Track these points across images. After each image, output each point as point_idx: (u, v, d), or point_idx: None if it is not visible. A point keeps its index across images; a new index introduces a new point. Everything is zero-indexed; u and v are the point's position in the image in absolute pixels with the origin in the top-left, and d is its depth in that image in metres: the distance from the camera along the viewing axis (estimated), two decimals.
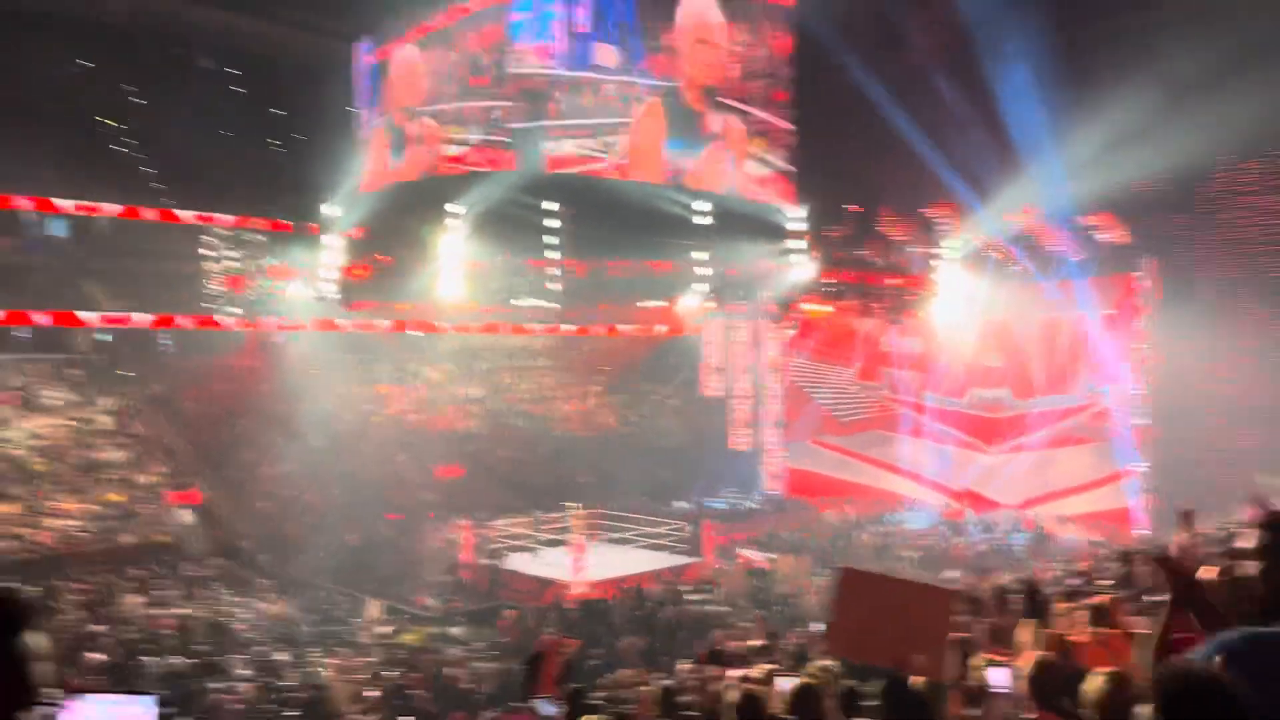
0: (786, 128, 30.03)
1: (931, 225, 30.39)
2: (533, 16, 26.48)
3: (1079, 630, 5.89)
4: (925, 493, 33.36)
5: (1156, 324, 29.44)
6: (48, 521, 24.34)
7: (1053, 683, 3.95)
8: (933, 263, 28.55)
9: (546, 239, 23.95)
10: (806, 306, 29.12)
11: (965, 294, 30.62)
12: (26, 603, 1.37)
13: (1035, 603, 8.18)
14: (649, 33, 27.13)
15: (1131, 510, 29.21)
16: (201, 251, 31.62)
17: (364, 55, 33.12)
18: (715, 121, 28.18)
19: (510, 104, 27.21)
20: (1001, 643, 6.56)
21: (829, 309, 30.03)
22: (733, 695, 4.50)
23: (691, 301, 27.28)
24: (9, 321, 29.55)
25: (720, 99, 28.20)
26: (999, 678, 5.09)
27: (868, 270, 27.87)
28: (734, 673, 7.45)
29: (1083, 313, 30.78)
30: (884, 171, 33.13)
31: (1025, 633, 5.67)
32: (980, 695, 5.39)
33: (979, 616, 8.00)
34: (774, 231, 25.63)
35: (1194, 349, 27.38)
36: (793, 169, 30.21)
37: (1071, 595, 8.08)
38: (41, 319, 30.02)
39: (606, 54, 26.69)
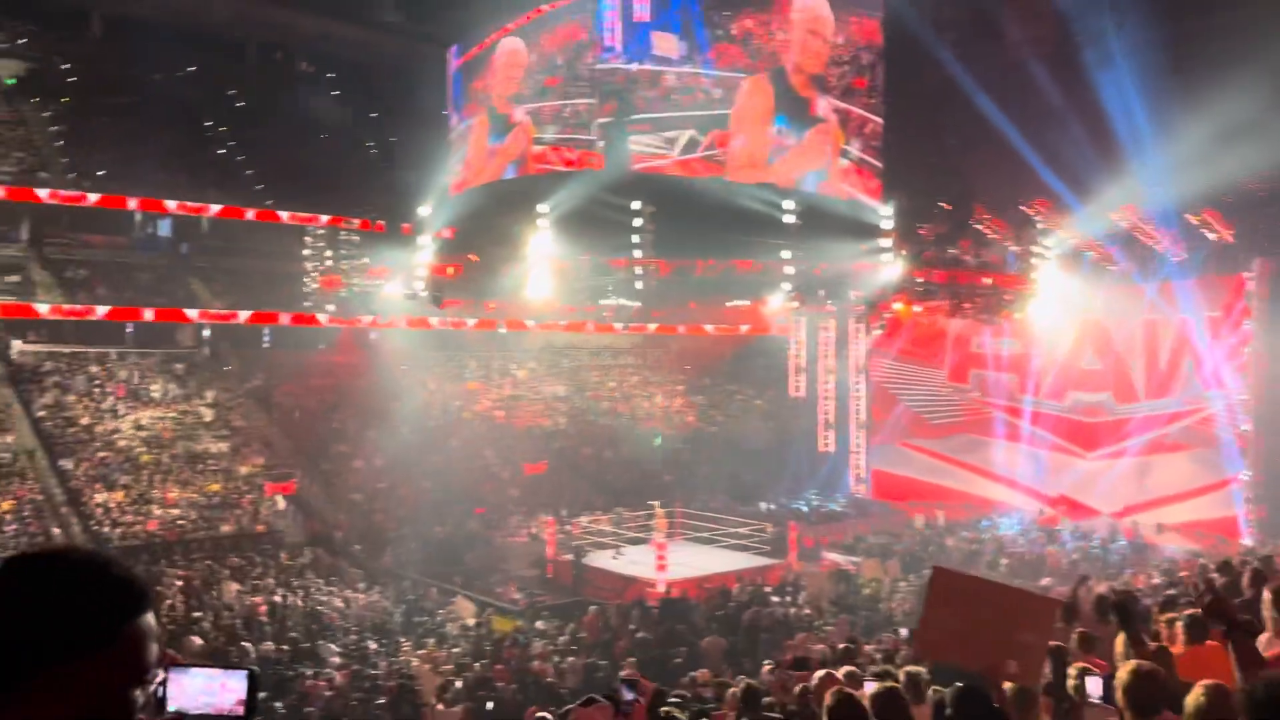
0: (876, 121, 29.62)
1: (1027, 222, 29.54)
2: (599, 9, 26.73)
3: (1177, 642, 5.66)
4: (1018, 499, 32.46)
5: (1264, 326, 28.12)
6: (153, 509, 25.37)
7: (1149, 694, 3.79)
8: (1028, 261, 27.72)
9: (631, 238, 24.04)
10: (895, 306, 28.59)
11: (1062, 294, 29.68)
12: (148, 585, 1.42)
13: (1133, 613, 7.89)
14: (716, 21, 27.06)
15: (1235, 519, 27.97)
16: (300, 251, 32.60)
17: (454, 60, 33.82)
18: (822, 106, 28.04)
19: (593, 102, 27.46)
20: (1096, 652, 6.34)
21: (918, 309, 29.43)
22: (827, 696, 4.42)
23: (777, 301, 27.05)
24: (118, 317, 30.94)
25: (825, 89, 28.07)
26: (1093, 688, 4.93)
27: (960, 268, 27.21)
28: (818, 675, 7.35)
29: (1186, 315, 29.59)
30: (978, 167, 32.37)
31: (1121, 643, 5.46)
32: (1073, 705, 5.22)
33: (1073, 625, 7.75)
34: (862, 229, 25.25)
35: None
36: (879, 165, 29.79)
37: (1170, 605, 7.76)
38: (148, 315, 31.39)
39: (667, 43, 26.69)
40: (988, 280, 27.45)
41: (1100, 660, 5.64)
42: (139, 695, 1.37)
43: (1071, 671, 5.44)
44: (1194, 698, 3.38)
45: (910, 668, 7.31)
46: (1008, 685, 4.46)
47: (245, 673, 1.69)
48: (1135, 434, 30.65)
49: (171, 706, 1.62)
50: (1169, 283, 30.08)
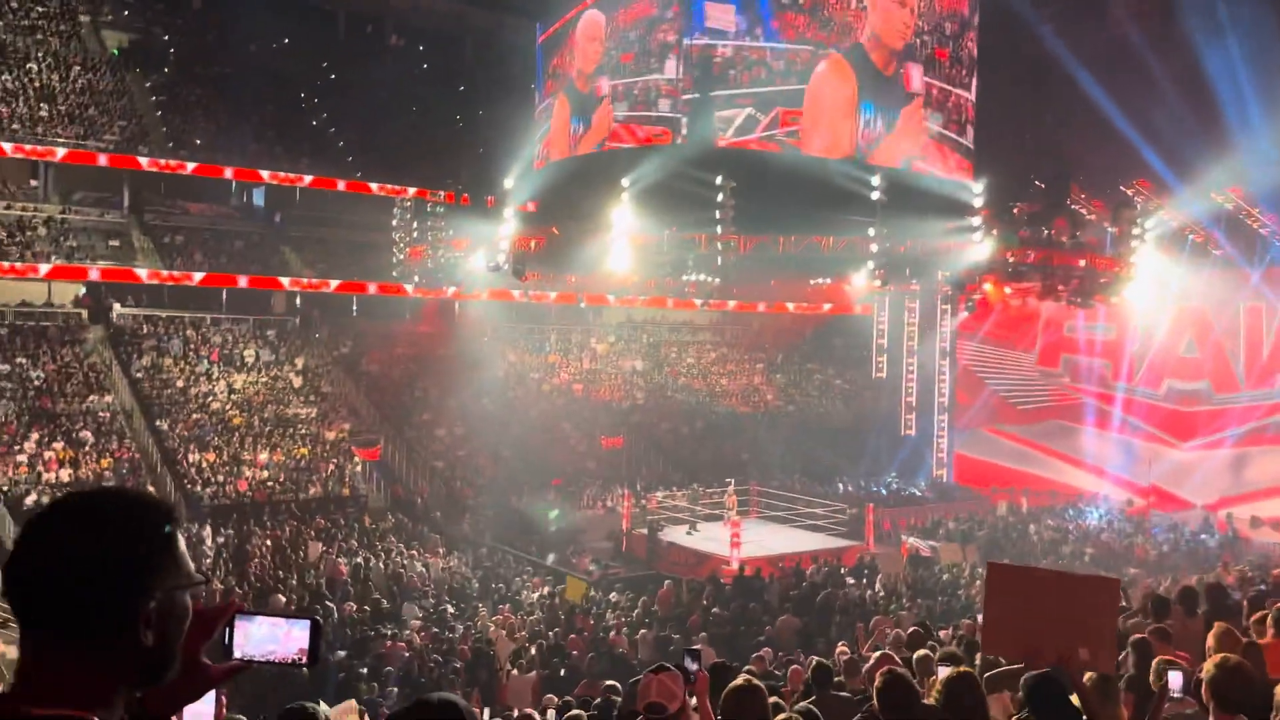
0: (963, 94, 28.80)
1: (1127, 202, 28.45)
2: None
3: (1267, 636, 5.43)
4: (1107, 488, 31.52)
5: None
6: (243, 471, 26.25)
7: (1235, 688, 3.64)
8: (1126, 243, 26.69)
9: (713, 213, 23.85)
10: (984, 286, 27.84)
11: (1161, 278, 28.60)
12: (174, 508, 1.44)
13: (1223, 606, 7.61)
14: None
15: None
16: (388, 221, 33.20)
17: (539, 34, 33.91)
18: (915, 80, 27.32)
19: (669, 77, 27.23)
20: (1183, 646, 6.12)
21: (1009, 290, 28.61)
22: (878, 677, 4.35)
23: (861, 279, 26.60)
24: (213, 283, 31.97)
25: (912, 59, 27.32)
26: (1175, 681, 4.77)
27: (1054, 249, 26.30)
28: (874, 656, 7.26)
29: None
30: (1076, 144, 31.28)
31: (1211, 637, 5.27)
32: (1156, 699, 5.05)
33: (1159, 619, 7.50)
34: (951, 206, 24.60)
35: None
36: (968, 141, 28.96)
37: (1259, 602, 7.44)
38: (243, 282, 32.37)
39: (722, 15, 26.18)
40: (1083, 262, 26.50)
41: (1182, 653, 5.44)
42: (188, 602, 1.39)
43: (1154, 664, 5.26)
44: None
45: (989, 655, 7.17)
46: (1088, 676, 4.33)
47: (308, 622, 1.71)
48: (1233, 424, 29.50)
49: (237, 653, 1.65)
50: (1275, 268, 28.79)
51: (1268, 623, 5.68)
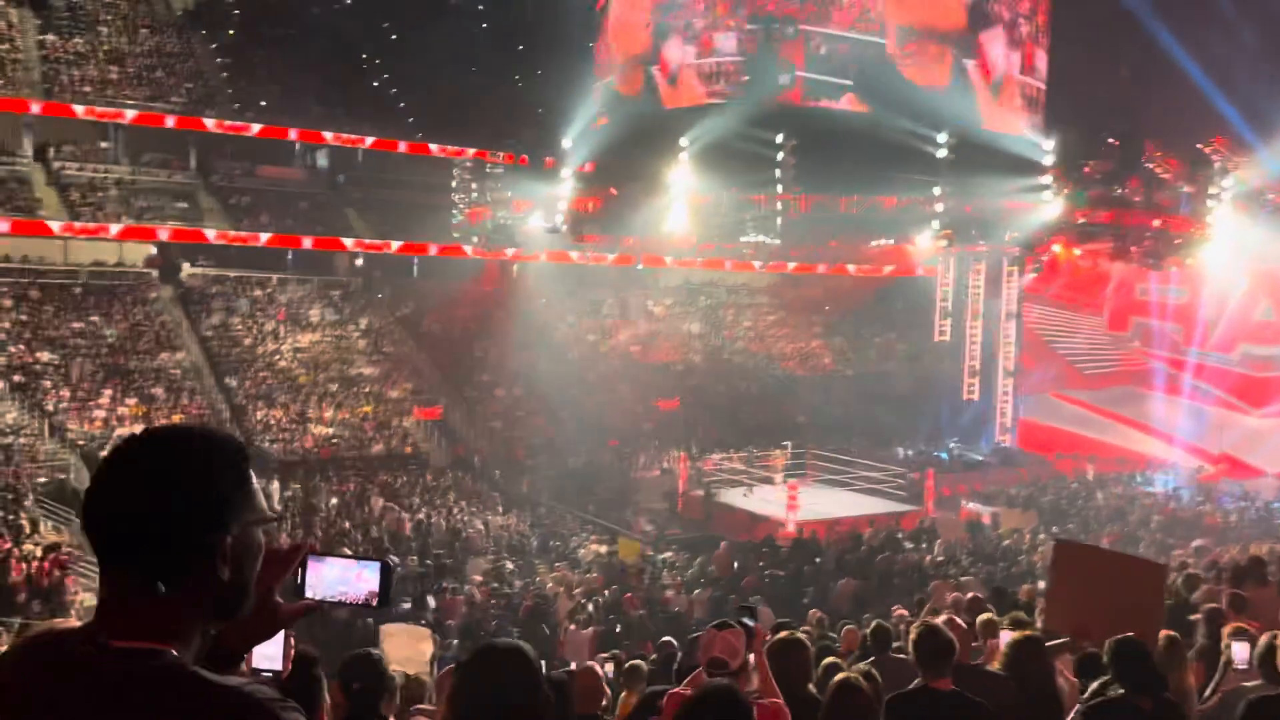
0: (1039, 51, 27.95)
1: (1203, 162, 27.44)
2: None
3: None
4: (1177, 455, 30.75)
5: None
6: (310, 428, 26.82)
7: None
8: (1202, 203, 25.78)
9: (773, 172, 23.55)
10: (1054, 248, 27.13)
11: (1237, 240, 27.60)
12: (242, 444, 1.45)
13: None
14: None
15: None
16: (448, 183, 33.37)
17: None
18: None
19: (740, 32, 26.80)
20: (1255, 616, 5.95)
21: (1078, 251, 27.85)
22: (912, 630, 4.31)
23: (925, 240, 26.13)
24: (279, 243, 32.52)
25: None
26: (1241, 654, 4.68)
27: (1127, 209, 25.50)
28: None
29: None
30: (1152, 101, 30.23)
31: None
32: (1221, 669, 4.95)
33: (1236, 585, 7.32)
34: (1020, 165, 23.97)
35: None
36: (1040, 102, 28.15)
37: None
38: (307, 243, 32.87)
39: None
40: (1156, 222, 25.68)
41: (1254, 623, 5.29)
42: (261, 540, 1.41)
43: (1225, 633, 5.14)
44: None
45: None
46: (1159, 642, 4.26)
47: (379, 564, 1.72)
48: None
49: (309, 593, 1.67)
50: None
51: None
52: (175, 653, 1.30)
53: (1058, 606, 5.24)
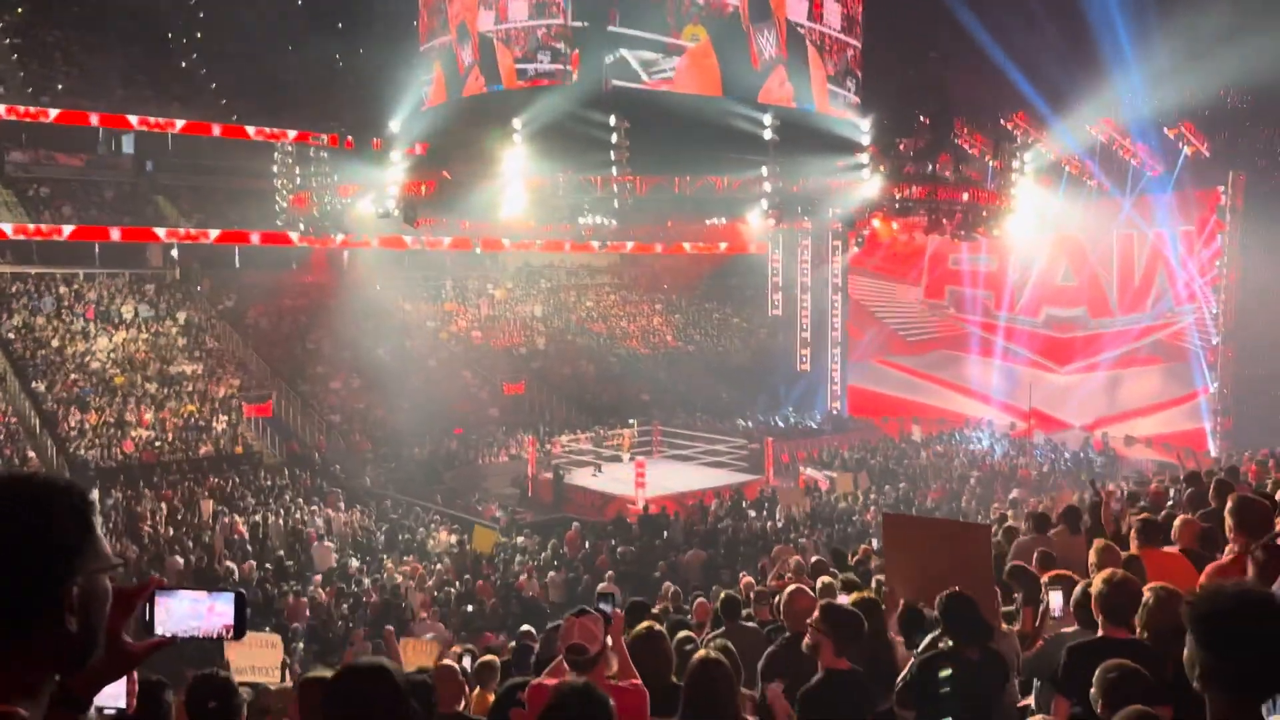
0: (852, 41, 29.10)
1: (1006, 137, 29.32)
2: None
3: (1132, 548, 5.80)
4: (992, 413, 32.93)
5: (1237, 241, 28.30)
6: (129, 432, 25.27)
7: (1123, 601, 3.88)
8: (1007, 177, 27.57)
9: (609, 155, 23.64)
10: (873, 223, 28.45)
11: (1039, 210, 29.67)
12: (85, 490, 1.38)
13: (1102, 523, 8.05)
14: None
15: (1203, 431, 28.58)
16: (269, 168, 31.88)
17: None
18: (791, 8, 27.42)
19: (561, 23, 26.73)
20: (1068, 564, 6.46)
21: (896, 225, 29.32)
22: (816, 609, 4.47)
23: (755, 218, 26.87)
24: (84, 236, 30.35)
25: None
26: (1056, 602, 5.08)
27: (938, 184, 27.00)
28: (789, 590, 7.47)
29: (1161, 230, 29.72)
30: (957, 81, 32.00)
31: (1093, 553, 5.58)
32: (1039, 618, 5.37)
33: (1040, 532, 7.92)
34: (840, 145, 24.94)
35: (1277, 267, 26.17)
36: (855, 83, 29.32)
37: (1140, 518, 7.91)
38: (115, 235, 30.81)
39: None
40: (965, 196, 27.31)
41: (1066, 572, 5.76)
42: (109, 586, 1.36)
43: (1042, 582, 5.57)
44: (1143, 600, 3.50)
45: (879, 576, 7.47)
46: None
47: (232, 595, 1.67)
48: (1108, 348, 31.04)
49: (159, 630, 1.61)
50: (1145, 197, 30.16)
51: (1131, 535, 6.04)
52: (23, 712, 1.25)
53: (896, 576, 5.56)
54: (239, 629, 1.66)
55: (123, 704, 1.74)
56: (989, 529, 5.22)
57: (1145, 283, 30.54)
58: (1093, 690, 3.15)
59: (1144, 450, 28.66)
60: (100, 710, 1.78)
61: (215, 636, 1.65)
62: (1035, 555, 6.67)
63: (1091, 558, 5.52)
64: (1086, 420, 31.04)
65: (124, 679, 1.71)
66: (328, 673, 3.13)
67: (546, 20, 27.26)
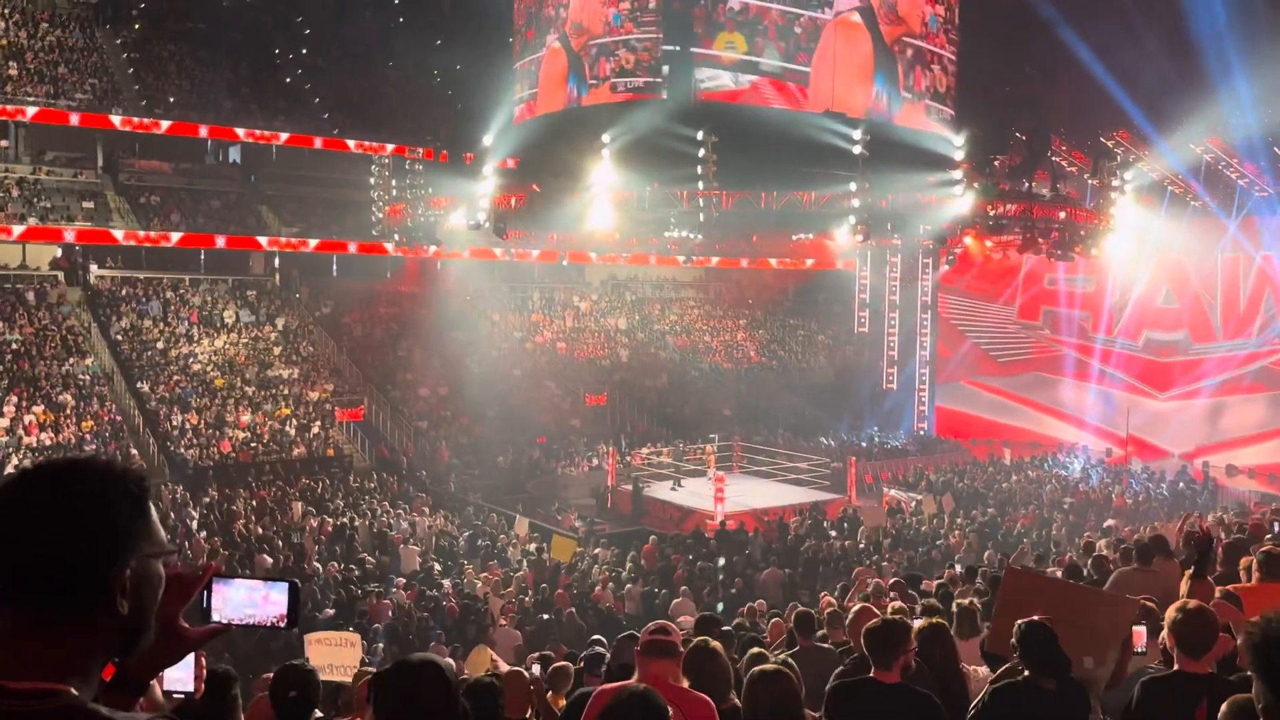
0: (948, 52, 28.60)
1: (1106, 154, 28.45)
2: None
3: (1252, 581, 5.53)
4: (1087, 438, 31.88)
5: None
6: (226, 432, 26.17)
7: (1196, 632, 3.71)
8: (1106, 195, 26.74)
9: (695, 169, 23.68)
10: (965, 240, 27.87)
11: (1140, 230, 28.70)
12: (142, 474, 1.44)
13: (1206, 554, 7.71)
14: None
15: None
16: (366, 180, 32.80)
17: None
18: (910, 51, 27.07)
19: (655, 36, 26.84)
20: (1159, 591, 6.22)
21: (989, 243, 28.67)
22: (864, 623, 4.40)
23: (843, 234, 26.59)
24: (191, 243, 31.63)
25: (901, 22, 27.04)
26: (1140, 639, 4.83)
27: (1034, 202, 26.32)
28: (855, 609, 7.35)
29: (1269, 253, 28.46)
30: (1056, 96, 31.19)
31: (1183, 583, 5.37)
32: (1122, 652, 5.13)
33: (1143, 563, 7.63)
34: (932, 160, 24.53)
35: None
36: (950, 97, 28.79)
37: (1238, 547, 7.56)
38: (220, 242, 32.03)
39: None
40: (1063, 214, 26.55)
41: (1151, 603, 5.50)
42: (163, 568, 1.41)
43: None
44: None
45: (961, 601, 7.28)
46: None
47: (286, 585, 1.72)
48: (1210, 374, 29.83)
49: (215, 616, 1.67)
50: (1252, 218, 28.98)
51: (1253, 568, 5.75)
52: (74, 691, 1.28)
53: (1002, 634, 5.19)
54: (292, 618, 1.71)
55: (190, 688, 1.81)
56: (1136, 604, 4.77)
57: (1251, 307, 29.27)
58: None
59: (1246, 481, 27.39)
60: (169, 694, 1.86)
61: (269, 625, 1.70)
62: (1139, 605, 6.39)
63: (1182, 587, 5.31)
64: (1186, 448, 29.82)
65: (191, 665, 1.78)
66: None
67: (640, 34, 27.41)
